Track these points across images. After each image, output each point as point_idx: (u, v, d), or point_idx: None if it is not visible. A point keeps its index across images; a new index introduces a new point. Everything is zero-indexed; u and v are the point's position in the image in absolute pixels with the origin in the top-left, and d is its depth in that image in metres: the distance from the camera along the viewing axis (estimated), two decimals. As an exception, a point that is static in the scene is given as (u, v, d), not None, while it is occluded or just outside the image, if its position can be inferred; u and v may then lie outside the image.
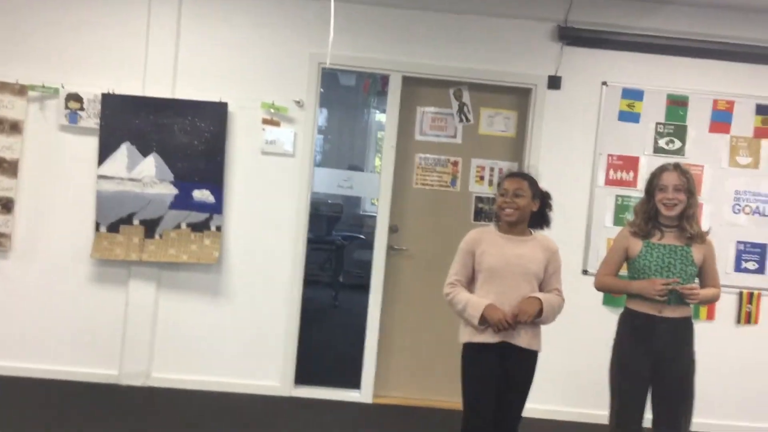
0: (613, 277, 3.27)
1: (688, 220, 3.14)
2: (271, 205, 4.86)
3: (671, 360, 3.13)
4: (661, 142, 4.89)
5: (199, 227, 4.75)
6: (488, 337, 3.04)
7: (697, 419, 4.72)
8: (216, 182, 4.75)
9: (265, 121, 4.77)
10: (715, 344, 4.85)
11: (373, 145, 10.17)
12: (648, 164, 4.63)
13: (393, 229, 4.99)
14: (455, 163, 5.02)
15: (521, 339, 3.06)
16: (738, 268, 4.91)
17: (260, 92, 4.78)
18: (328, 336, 6.75)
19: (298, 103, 4.78)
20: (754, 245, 4.92)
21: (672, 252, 3.13)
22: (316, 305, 7.79)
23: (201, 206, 4.75)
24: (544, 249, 3.14)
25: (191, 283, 4.83)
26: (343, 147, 10.20)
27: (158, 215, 4.73)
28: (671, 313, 3.11)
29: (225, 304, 4.85)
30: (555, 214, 4.72)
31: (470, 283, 3.16)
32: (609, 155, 4.88)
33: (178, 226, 4.74)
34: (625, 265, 3.30)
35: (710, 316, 4.91)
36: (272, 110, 4.76)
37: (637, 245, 3.18)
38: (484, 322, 3.00)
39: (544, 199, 3.23)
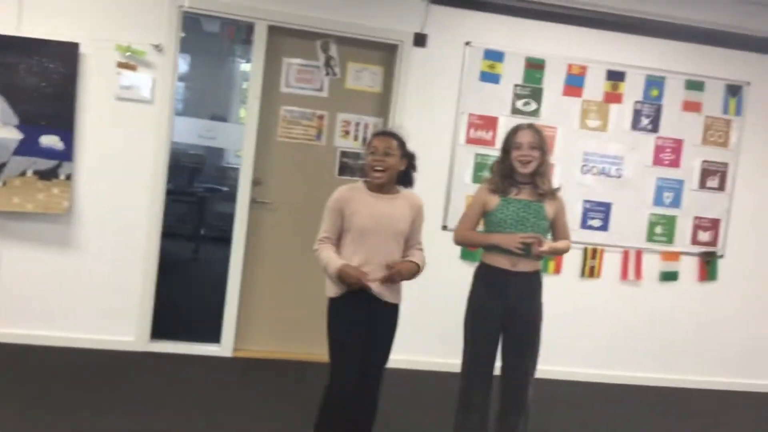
0: (474, 231, 3.39)
1: (540, 177, 3.29)
2: (127, 154, 4.65)
3: (521, 310, 3.29)
4: (519, 104, 5.08)
5: (47, 175, 4.47)
6: (345, 288, 3.06)
7: (544, 366, 5.05)
8: (66, 128, 4.47)
9: (121, 65, 4.53)
10: (561, 296, 5.12)
11: (238, 96, 9.91)
12: (506, 124, 4.77)
13: (256, 182, 4.91)
14: (321, 117, 4.98)
15: (384, 293, 3.10)
16: (584, 226, 5.23)
17: (115, 34, 4.52)
18: (187, 290, 6.60)
19: (156, 47, 4.56)
20: (599, 204, 5.24)
21: (526, 207, 3.27)
22: (176, 258, 7.57)
23: (49, 153, 4.47)
24: (410, 206, 3.19)
25: (38, 235, 4.56)
26: (206, 96, 9.85)
27: (1, 161, 4.40)
28: (524, 267, 3.26)
29: (76, 256, 4.62)
30: (417, 171, 4.87)
31: (339, 240, 3.16)
32: (470, 114, 5.02)
33: (24, 174, 4.44)
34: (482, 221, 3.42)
35: (557, 270, 5.22)
36: (128, 54, 4.51)
37: (494, 200, 3.30)
38: (342, 281, 3.02)
39: (410, 160, 3.26)
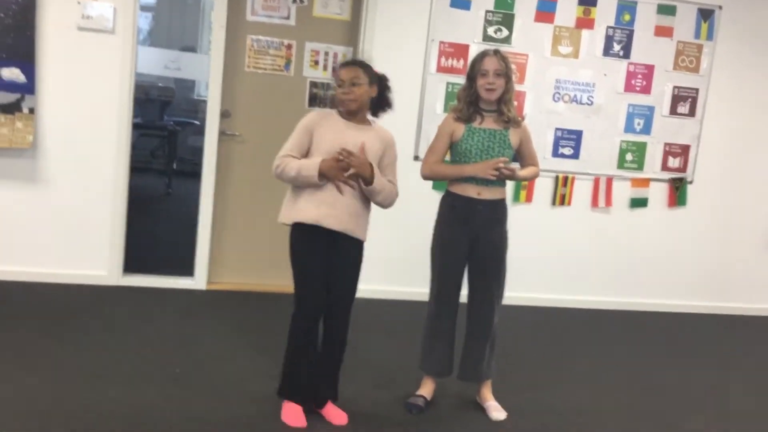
0: (443, 163, 3.37)
1: (506, 104, 3.26)
2: (91, 86, 4.54)
3: (487, 238, 3.32)
4: (490, 31, 5.00)
5: (9, 109, 4.37)
6: (305, 216, 3.03)
7: (515, 293, 5.13)
8: (27, 60, 4.35)
9: (81, -6, 4.40)
10: (533, 224, 5.21)
11: (207, 25, 9.67)
12: (477, 52, 4.69)
13: (225, 114, 4.85)
14: (289, 47, 4.89)
15: (344, 223, 3.05)
16: (555, 154, 5.24)
17: (74, -39, 4.38)
18: (160, 224, 6.59)
19: (117, -26, 4.43)
20: (570, 132, 5.24)
21: (491, 136, 3.26)
22: (149, 193, 7.54)
23: (11, 86, 4.35)
24: (381, 140, 3.14)
25: (4, 170, 4.48)
26: (174, 27, 9.62)
27: (-39, 96, 4.31)
28: (489, 195, 3.27)
29: (43, 191, 4.56)
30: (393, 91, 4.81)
31: None
32: (441, 42, 4.95)
33: (-14, 108, 4.35)
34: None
35: (529, 199, 5.25)
36: (88, -19, 4.38)
37: (460, 129, 3.28)
38: (323, 178, 2.97)
39: (381, 82, 3.19)
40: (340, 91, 3.06)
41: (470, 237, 3.30)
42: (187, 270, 4.95)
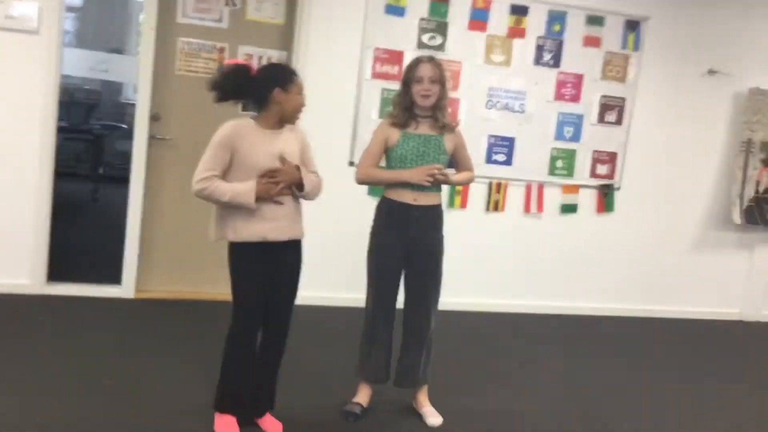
0: (378, 168, 3.36)
1: (441, 111, 3.28)
2: (13, 88, 4.38)
3: (423, 244, 3.32)
4: (425, 38, 5.03)
5: (-76, 111, 4.17)
6: (256, 233, 2.96)
7: (449, 299, 5.15)
8: (-57, 60, 4.17)
9: (2, -8, 4.22)
10: (466, 230, 5.24)
11: (135, 28, 9.44)
12: (412, 58, 4.71)
13: (155, 118, 4.73)
14: (221, 50, 4.81)
15: (285, 231, 3.03)
16: (489, 160, 5.29)
17: (-6, -43, 4.20)
18: (86, 231, 6.37)
19: (41, -28, 4.27)
20: (503, 138, 5.30)
21: (426, 141, 3.27)
22: (74, 199, 7.28)
23: (-75, 87, 4.16)
24: (296, 138, 3.09)
25: None
26: (101, 28, 9.35)
27: None
28: (425, 201, 3.28)
29: (-39, 197, 4.37)
30: (323, 105, 4.78)
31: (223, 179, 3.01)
32: (376, 48, 4.94)
33: None
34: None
35: (463, 205, 5.29)
36: (10, -21, 4.21)
37: (395, 135, 3.28)
38: (259, 200, 2.90)
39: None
40: (302, 101, 3.03)
41: (406, 242, 3.29)
42: (115, 278, 4.79)
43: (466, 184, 3.66)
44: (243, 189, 2.89)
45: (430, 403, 3.48)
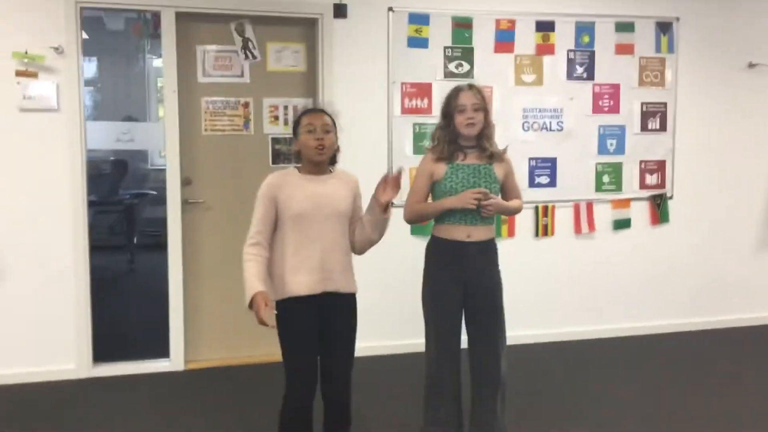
0: (424, 203, 3.18)
1: (487, 139, 3.11)
2: (40, 168, 4.27)
3: (481, 281, 3.12)
4: (451, 66, 4.87)
5: (-48, 202, 4.07)
6: (298, 289, 2.81)
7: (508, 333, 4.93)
8: (-33, 148, 4.08)
9: (20, 74, 4.13)
10: (517, 259, 5.01)
11: (154, 94, 9.43)
12: (440, 89, 4.55)
13: (186, 182, 4.59)
14: (246, 105, 4.68)
15: (336, 283, 2.86)
16: (532, 184, 5.07)
17: (9, 40, 4.13)
18: (127, 304, 6.23)
19: (56, 49, 4.17)
20: (544, 160, 5.09)
21: (476, 171, 3.08)
22: (111, 273, 7.18)
23: (-48, 178, 4.06)
24: (347, 184, 2.94)
25: (-48, 268, 4.17)
26: (118, 98, 9.34)
27: None
28: (479, 236, 3.08)
29: (-2, 287, 4.24)
30: (355, 148, 4.62)
31: (274, 232, 2.88)
32: (402, 83, 4.78)
33: (-73, 204, 4.03)
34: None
35: (511, 233, 5.06)
36: (26, 60, 4.12)
37: (441, 169, 3.10)
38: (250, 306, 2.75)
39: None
40: (313, 137, 2.83)
41: (464, 283, 3.09)
42: (162, 351, 4.62)
43: (515, 213, 3.39)
44: (248, 286, 2.75)
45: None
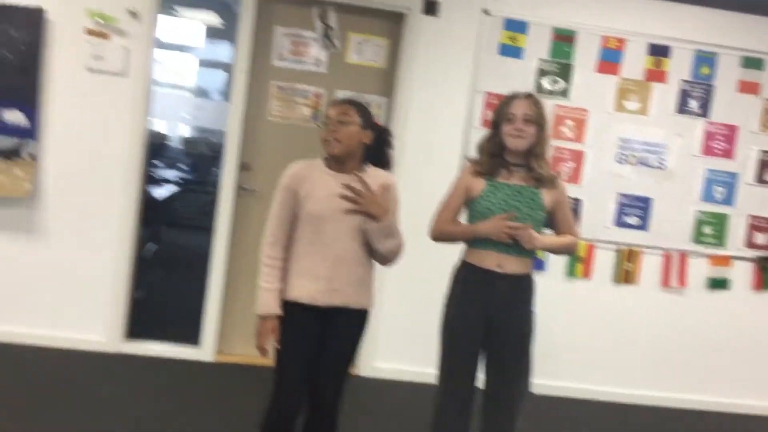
0: (455, 222, 2.78)
1: (537, 159, 2.66)
2: (99, 132, 4.19)
3: (507, 320, 2.68)
4: (545, 82, 4.43)
5: (8, 154, 4.05)
6: (299, 295, 2.53)
7: (566, 383, 4.45)
8: (30, 103, 4.05)
9: (91, 32, 4.07)
10: (591, 304, 4.54)
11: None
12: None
13: (244, 168, 4.41)
14: (318, 95, 4.44)
15: (345, 296, 2.55)
16: (619, 223, 4.54)
17: (86, -2, 4.08)
18: (199, 286, 6.15)
19: (131, 13, 4.09)
20: (637, 198, 4.54)
21: (518, 193, 2.65)
22: (193, 253, 7.15)
23: (11, 130, 4.05)
24: (377, 186, 2.60)
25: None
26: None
27: (-41, 139, 4.02)
28: (512, 268, 2.64)
29: (41, 244, 4.19)
30: (425, 155, 4.30)
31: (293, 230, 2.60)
32: (487, 93, 4.39)
33: (-16, 153, 4.04)
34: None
35: (586, 274, 4.55)
36: (99, 20, 4.05)
37: (479, 184, 2.69)
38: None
39: (382, 135, 2.69)
40: (325, 129, 2.54)
41: (487, 318, 2.66)
42: (194, 337, 4.44)
43: (563, 251, 2.89)
44: (262, 301, 2.56)
45: None
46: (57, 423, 3.31)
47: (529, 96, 2.68)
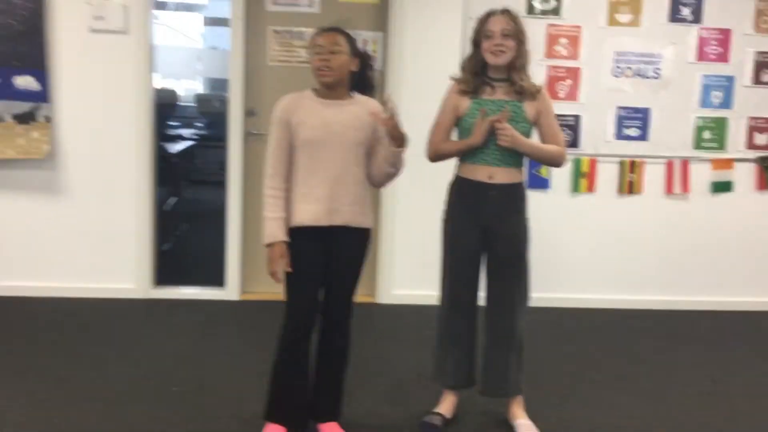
0: (446, 141, 2.91)
1: (517, 72, 2.76)
2: (108, 90, 4.36)
3: (502, 229, 2.82)
4: (535, 2, 4.49)
5: (24, 118, 4.24)
6: (303, 218, 2.69)
7: (576, 294, 4.60)
8: (39, 67, 4.22)
9: (90, -7, 4.22)
10: (597, 216, 4.67)
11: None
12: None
13: (250, 113, 4.56)
14: (314, 36, 4.54)
15: (345, 216, 2.70)
16: (619, 136, 4.64)
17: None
18: (219, 237, 6.38)
19: (127, -28, 4.22)
20: (636, 110, 4.63)
21: (501, 107, 2.76)
22: (214, 207, 7.37)
23: (25, 95, 4.23)
24: (366, 110, 2.73)
25: (23, 181, 4.36)
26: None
27: (-23, 108, 4.21)
28: (502, 178, 2.78)
29: (64, 202, 4.40)
30: (423, 86, 4.40)
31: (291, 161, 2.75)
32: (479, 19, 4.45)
33: (2, 119, 4.23)
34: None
35: (590, 188, 4.66)
36: (97, -20, 4.19)
37: (465, 103, 2.81)
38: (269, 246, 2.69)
39: (364, 60, 2.81)
40: (318, 57, 2.66)
41: (483, 227, 2.81)
42: (220, 280, 4.67)
43: (549, 161, 2.92)
44: (268, 231, 2.70)
45: (527, 414, 2.96)
46: (105, 361, 3.54)
47: (505, 11, 2.77)
